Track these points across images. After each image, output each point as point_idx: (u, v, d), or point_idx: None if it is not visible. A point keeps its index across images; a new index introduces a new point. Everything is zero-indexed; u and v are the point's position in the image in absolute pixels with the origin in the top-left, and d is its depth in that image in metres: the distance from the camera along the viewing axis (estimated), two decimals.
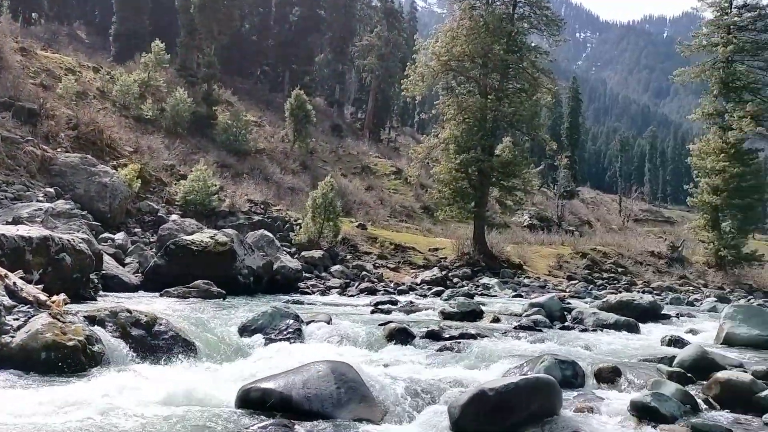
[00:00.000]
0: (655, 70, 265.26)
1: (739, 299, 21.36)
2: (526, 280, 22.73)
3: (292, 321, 7.60)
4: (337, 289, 16.43)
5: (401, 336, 7.76)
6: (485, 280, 20.95)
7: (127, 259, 14.32)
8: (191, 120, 30.51)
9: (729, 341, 8.66)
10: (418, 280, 19.60)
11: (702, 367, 5.89)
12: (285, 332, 7.39)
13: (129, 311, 6.23)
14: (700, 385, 5.50)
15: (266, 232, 17.06)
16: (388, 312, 10.99)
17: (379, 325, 8.34)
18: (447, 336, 7.94)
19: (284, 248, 18.34)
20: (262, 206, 24.45)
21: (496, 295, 18.22)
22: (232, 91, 40.99)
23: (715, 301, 18.97)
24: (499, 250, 25.29)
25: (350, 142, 46.38)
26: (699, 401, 5.03)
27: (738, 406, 4.99)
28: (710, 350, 6.48)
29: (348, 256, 21.36)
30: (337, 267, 19.20)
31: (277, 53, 50.77)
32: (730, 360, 6.41)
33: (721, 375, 5.21)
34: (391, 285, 18.53)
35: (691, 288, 25.79)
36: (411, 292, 17.32)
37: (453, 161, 23.27)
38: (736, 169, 28.21)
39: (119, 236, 16.08)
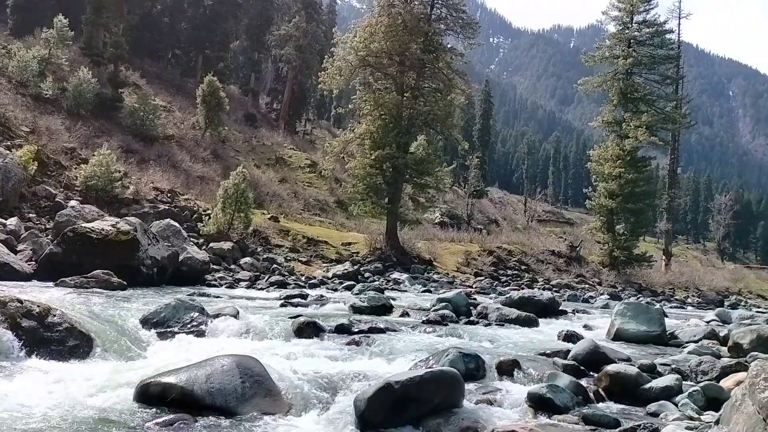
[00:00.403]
0: (562, 77, 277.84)
1: (629, 297, 22.82)
2: (435, 276, 23.22)
3: (197, 314, 7.40)
4: (247, 282, 16.12)
5: (310, 330, 7.73)
6: (396, 275, 21.23)
7: (20, 247, 13.42)
8: (95, 101, 28.91)
9: (619, 336, 9.22)
10: (330, 274, 19.58)
11: (594, 360, 6.26)
12: (189, 326, 7.18)
13: (20, 301, 5.85)
14: (592, 378, 5.84)
15: (173, 222, 16.46)
16: (298, 306, 10.93)
17: (289, 318, 8.29)
18: (356, 330, 8.00)
19: (191, 239, 17.78)
20: (169, 195, 23.58)
21: (406, 290, 18.48)
22: (141, 73, 39.19)
23: (608, 299, 20.19)
24: (411, 246, 25.71)
25: (265, 132, 45.61)
26: (590, 393, 5.34)
27: (625, 397, 5.35)
28: (602, 345, 6.90)
29: (259, 249, 21.02)
30: (247, 259, 18.84)
31: (190, 37, 48.99)
32: (620, 354, 6.85)
33: (610, 368, 5.56)
34: (303, 279, 18.40)
35: (587, 286, 27.29)
36: (322, 286, 17.27)
37: (368, 157, 23.42)
38: (631, 175, 30.09)
39: (11, 222, 15.05)
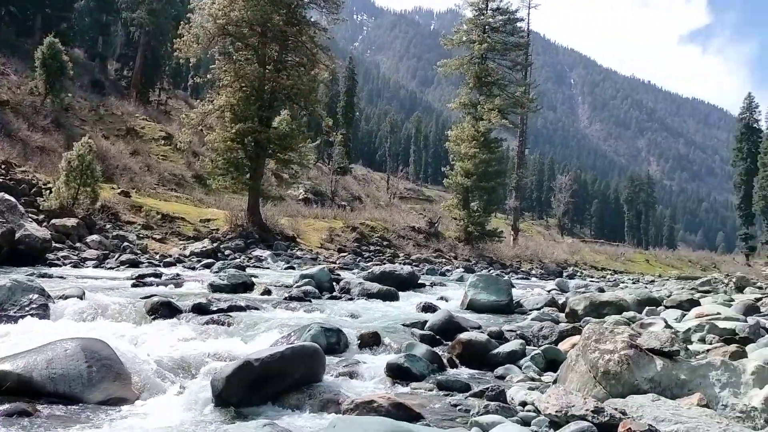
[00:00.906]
0: (422, 59, 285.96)
1: (482, 270, 24.25)
2: (299, 253, 23.12)
3: (36, 296, 6.77)
4: (94, 262, 15.05)
5: (165, 310, 7.38)
6: (258, 252, 20.88)
7: None
8: None
9: (472, 307, 9.79)
10: (187, 252, 18.82)
11: (449, 329, 6.60)
12: (28, 308, 6.57)
13: None
14: (446, 346, 6.16)
15: (7, 196, 14.88)
16: (152, 285, 10.40)
17: (141, 299, 7.86)
18: (215, 309, 7.75)
19: (30, 215, 16.21)
20: (3, 166, 21.28)
21: (269, 268, 18.25)
22: None
23: (463, 272, 21.33)
24: (274, 223, 25.37)
25: (114, 101, 42.50)
26: (445, 360, 5.63)
27: (476, 363, 5.70)
28: (456, 315, 7.28)
29: (108, 226, 19.67)
30: (94, 237, 17.56)
31: None
32: (472, 323, 7.28)
33: (462, 336, 5.89)
34: (157, 257, 17.52)
35: (444, 260, 28.63)
36: (179, 265, 16.56)
37: (228, 130, 22.63)
38: (485, 155, 31.81)
39: None
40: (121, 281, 10.94)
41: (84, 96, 39.45)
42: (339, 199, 44.13)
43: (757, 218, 62.24)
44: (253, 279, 11.62)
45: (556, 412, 2.82)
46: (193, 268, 15.90)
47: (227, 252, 20.32)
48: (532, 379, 5.05)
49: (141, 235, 20.05)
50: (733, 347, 4.48)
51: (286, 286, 10.97)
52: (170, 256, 18.06)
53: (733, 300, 10.49)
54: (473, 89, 33.38)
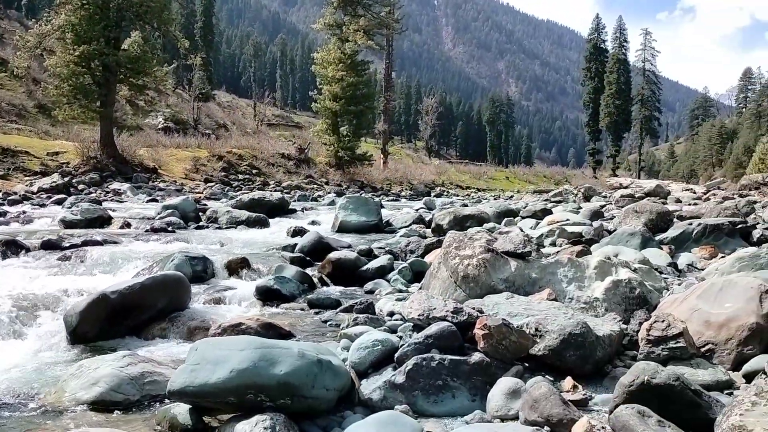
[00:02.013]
0: None
1: (353, 194, 24.48)
2: (161, 185, 21.98)
3: None
4: None
5: (10, 249, 6.76)
6: (116, 185, 19.57)
7: None
8: None
9: (343, 228, 9.89)
10: (35, 189, 17.21)
11: (319, 250, 6.62)
12: None
13: None
14: (317, 266, 6.19)
15: None
16: None
17: None
18: (68, 245, 7.21)
19: None
20: None
21: (128, 201, 17.22)
22: None
23: (334, 196, 21.42)
24: (131, 154, 23.79)
25: None
26: (315, 280, 5.67)
27: (347, 280, 5.79)
28: (326, 236, 7.31)
29: None
30: None
31: None
32: (342, 242, 7.35)
33: (332, 255, 5.93)
34: (0, 195, 15.88)
35: (315, 186, 28.53)
36: (26, 202, 15.12)
37: (71, 53, 20.48)
38: (352, 78, 31.51)
39: None
40: None
41: None
42: (203, 127, 42.11)
43: (604, 134, 67.73)
44: (111, 213, 10.92)
45: (419, 316, 2.92)
46: (43, 205, 14.60)
47: (81, 187, 18.85)
48: (400, 291, 5.23)
49: None
50: (579, 247, 4.87)
51: (148, 219, 10.42)
52: (15, 193, 16.44)
53: (581, 208, 11.44)
54: (338, 9, 32.55)
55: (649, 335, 2.68)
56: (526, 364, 2.84)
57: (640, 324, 2.96)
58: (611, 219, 8.84)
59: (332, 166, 32.72)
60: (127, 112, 37.37)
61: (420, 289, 4.20)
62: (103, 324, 4.07)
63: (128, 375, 3.01)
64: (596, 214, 9.58)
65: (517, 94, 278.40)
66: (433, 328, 2.82)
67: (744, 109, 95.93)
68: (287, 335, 3.96)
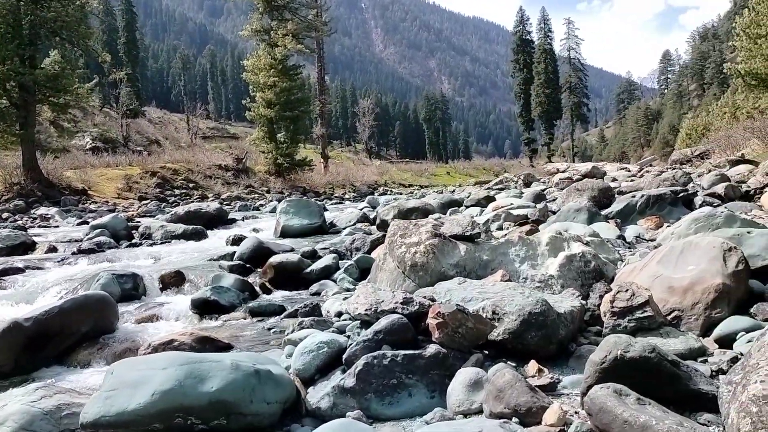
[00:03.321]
0: None
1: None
2: (93, 206, 20.96)
3: None
4: None
5: None
6: (43, 210, 18.49)
7: None
8: None
9: (285, 233, 9.53)
10: None
11: (259, 256, 6.26)
12: None
13: None
14: (259, 273, 5.84)
15: None
16: None
17: None
18: None
19: None
20: None
21: (58, 225, 16.27)
22: None
23: (276, 204, 20.89)
24: (58, 177, 22.61)
25: None
26: (257, 287, 5.33)
27: (291, 284, 5.47)
28: (266, 241, 6.95)
29: None
30: None
31: None
32: (283, 246, 7.01)
33: (273, 259, 5.60)
34: None
35: (256, 195, 27.86)
36: None
37: None
38: (285, 83, 30.95)
39: None
40: None
41: None
42: (133, 144, 40.64)
43: (537, 123, 69.20)
44: (37, 238, 10.22)
45: (366, 311, 2.66)
46: None
47: (5, 215, 17.70)
48: (347, 290, 4.95)
49: None
50: (527, 227, 4.72)
51: (76, 241, 9.77)
52: None
53: (523, 193, 11.43)
54: (264, 14, 31.91)
55: (613, 307, 2.50)
56: (486, 352, 2.62)
57: (601, 297, 2.79)
58: (554, 200, 8.82)
59: (272, 174, 32.08)
60: (51, 134, 35.63)
61: (369, 283, 3.94)
62: (18, 355, 3.64)
63: (41, 410, 2.63)
64: (539, 197, 9.55)
65: (451, 90, 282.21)
66: (382, 323, 2.56)
67: (666, 90, 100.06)
68: (226, 347, 3.64)
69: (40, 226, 15.86)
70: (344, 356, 2.55)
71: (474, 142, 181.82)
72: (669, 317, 2.62)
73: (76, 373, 3.72)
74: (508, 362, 2.52)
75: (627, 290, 2.50)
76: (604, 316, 2.61)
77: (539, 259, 3.48)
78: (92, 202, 21.83)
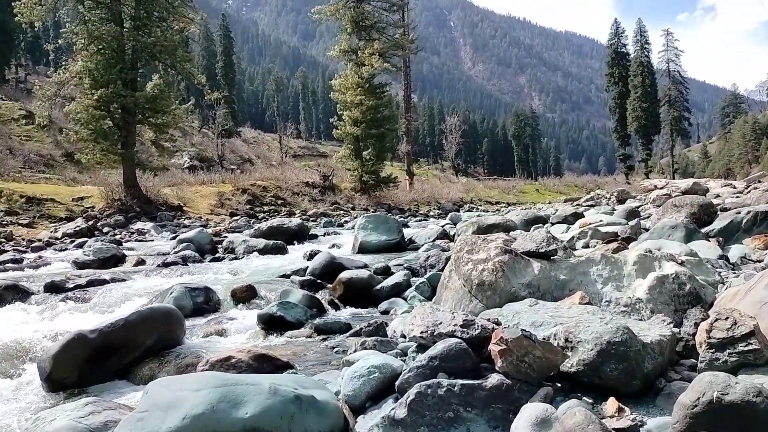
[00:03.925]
0: (302, 12, 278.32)
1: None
2: (186, 222, 21.85)
3: None
4: None
5: (11, 294, 6.45)
6: (140, 225, 19.47)
7: None
8: None
9: (363, 249, 9.42)
10: (59, 234, 17.15)
11: (331, 272, 6.12)
12: None
13: None
14: (329, 289, 5.70)
15: None
16: (9, 271, 9.20)
17: None
18: (72, 286, 6.89)
19: None
20: None
21: (153, 240, 17.05)
22: None
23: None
24: (156, 194, 23.78)
25: None
26: (326, 304, 5.18)
27: (360, 301, 5.29)
28: (339, 256, 6.83)
29: None
30: None
31: None
32: (357, 262, 6.85)
33: (342, 275, 5.44)
34: (23, 243, 15.83)
35: (341, 212, 28.16)
36: (49, 248, 15.00)
37: (90, 98, 20.65)
38: (371, 102, 31.25)
39: None
40: None
41: None
42: (227, 163, 42.35)
43: (633, 139, 66.26)
44: (129, 251, 10.68)
45: (422, 333, 2.41)
46: (65, 250, 14.50)
47: (106, 229, 18.77)
48: None
49: (4, 222, 18.09)
50: (614, 245, 4.30)
51: (164, 254, 10.10)
52: (39, 240, 16.40)
53: (614, 210, 10.76)
54: (352, 35, 32.47)
55: (710, 338, 2.12)
56: (558, 384, 2.29)
57: (697, 325, 2.40)
58: (648, 218, 8.18)
59: (357, 191, 32.35)
60: (153, 153, 37.84)
61: (432, 303, 3.68)
62: (82, 368, 3.64)
63: (88, 426, 2.55)
64: (632, 214, 8.90)
65: (541, 106, 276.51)
66: (438, 347, 2.30)
67: None
68: (284, 366, 3.48)
69: (136, 240, 16.65)
70: (397, 383, 2.32)
71: (566, 159, 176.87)
72: None
73: (136, 387, 3.69)
74: (584, 398, 2.19)
75: (727, 318, 2.11)
76: (700, 347, 2.22)
77: (625, 280, 3.11)
78: (186, 217, 22.77)
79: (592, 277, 3.12)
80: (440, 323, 2.40)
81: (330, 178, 32.81)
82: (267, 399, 2.02)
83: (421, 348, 2.49)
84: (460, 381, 2.18)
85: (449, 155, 72.26)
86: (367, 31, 32.46)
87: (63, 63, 22.97)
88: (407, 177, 38.85)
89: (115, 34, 20.77)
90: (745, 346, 2.03)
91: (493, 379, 2.19)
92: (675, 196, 14.26)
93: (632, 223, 6.62)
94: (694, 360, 2.34)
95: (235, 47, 77.08)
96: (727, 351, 2.06)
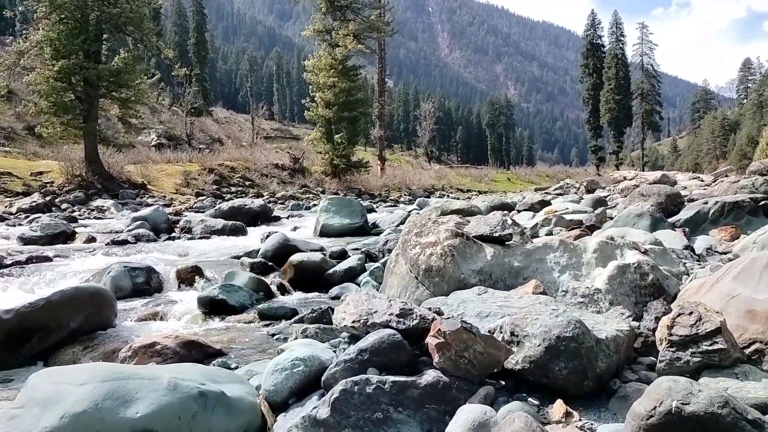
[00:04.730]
0: None
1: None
2: (150, 200, 21.25)
3: None
4: None
5: None
6: (100, 202, 18.86)
7: None
8: None
9: (325, 232, 9.13)
10: (13, 209, 16.48)
11: (284, 254, 5.80)
12: None
13: None
14: (280, 272, 5.41)
15: None
16: None
17: None
18: (10, 262, 6.48)
19: None
20: None
21: (112, 218, 16.50)
22: None
23: None
24: (119, 171, 23.10)
25: None
26: (274, 288, 4.89)
27: (311, 286, 5.00)
28: (294, 238, 6.53)
29: None
30: None
31: None
32: (313, 245, 6.56)
33: (294, 257, 5.16)
34: None
35: (311, 195, 27.73)
36: (2, 223, 14.42)
37: (51, 69, 19.84)
38: (344, 84, 30.76)
39: None
40: None
41: None
42: (196, 142, 41.46)
43: (605, 131, 66.79)
44: (83, 229, 10.22)
45: (353, 322, 2.15)
46: (20, 225, 13.91)
47: (64, 206, 18.11)
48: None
49: None
50: (576, 231, 4.09)
51: (117, 232, 9.67)
52: None
53: (582, 199, 10.62)
54: (326, 14, 31.87)
55: (671, 334, 1.89)
56: (502, 383, 2.05)
57: (658, 319, 2.18)
58: (615, 207, 8.04)
59: (328, 174, 31.94)
60: (119, 130, 36.75)
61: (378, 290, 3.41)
62: None
63: None
64: (599, 203, 8.76)
65: (517, 96, 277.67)
66: (369, 339, 2.04)
67: (745, 100, 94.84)
68: (215, 354, 3.20)
69: (95, 218, 16.09)
70: (323, 378, 2.05)
71: (539, 149, 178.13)
72: (747, 351, 1.98)
73: None
74: (529, 399, 1.95)
75: (692, 313, 1.89)
76: (660, 344, 2.00)
77: (584, 269, 2.88)
78: (150, 196, 22.14)
79: (549, 265, 2.89)
80: (375, 312, 2.14)
81: (300, 160, 32.32)
82: (164, 396, 1.73)
83: (353, 339, 2.23)
84: (392, 378, 1.92)
85: (423, 142, 72.04)
86: (342, 11, 31.90)
87: (24, 32, 22.03)
88: (379, 162, 38.54)
89: (79, 2, 19.98)
90: (710, 345, 1.81)
91: (429, 376, 1.94)
92: (641, 186, 14.25)
93: (598, 211, 6.45)
94: (653, 358, 2.12)
95: (209, 24, 75.52)
96: (690, 350, 1.83)
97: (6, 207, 17.21)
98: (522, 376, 1.98)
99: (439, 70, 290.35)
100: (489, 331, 2.08)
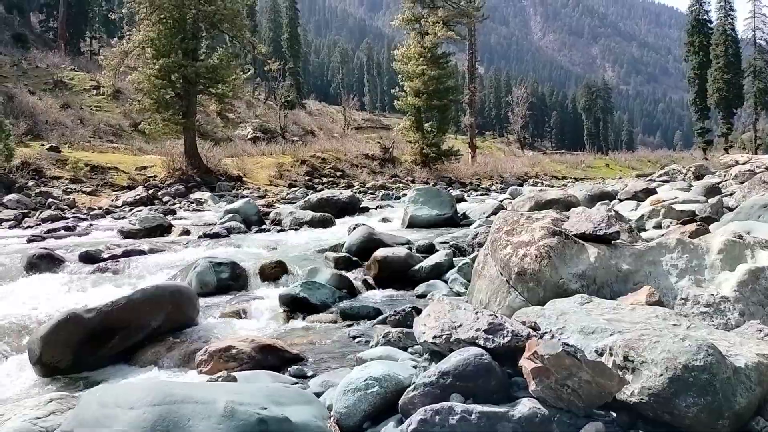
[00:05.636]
0: None
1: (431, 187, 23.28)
2: (245, 192, 21.88)
3: None
4: (11, 222, 13.66)
5: (45, 263, 6.30)
6: (199, 195, 19.60)
7: None
8: None
9: (412, 224, 8.89)
10: (119, 203, 17.42)
11: (369, 249, 5.59)
12: None
13: None
14: (364, 268, 5.22)
15: None
16: (59, 239, 9.20)
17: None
18: (107, 256, 6.70)
19: None
20: None
21: (209, 210, 17.09)
22: None
23: None
24: (216, 164, 23.93)
25: (37, 54, 39.54)
26: (357, 284, 4.70)
27: (396, 283, 4.77)
28: (381, 232, 6.32)
29: (30, 183, 18.10)
30: (12, 196, 16.03)
31: None
32: (399, 239, 6.31)
33: (378, 253, 4.94)
34: (84, 210, 16.14)
35: (401, 185, 27.60)
36: (108, 216, 15.23)
37: (152, 67, 20.80)
38: (434, 72, 30.33)
39: None
40: (20, 239, 9.68)
41: (5, 51, 36.58)
42: (290, 134, 42.39)
43: (713, 112, 62.35)
44: (178, 221, 10.55)
45: (434, 338, 1.88)
46: (124, 218, 14.66)
47: (165, 198, 18.97)
48: (458, 294, 4.15)
49: (69, 190, 18.52)
50: (693, 226, 3.60)
51: (210, 224, 9.89)
52: (100, 208, 16.69)
53: (692, 186, 9.76)
54: (415, 2, 31.49)
55: None
56: (613, 414, 1.71)
57: None
58: (731, 195, 7.26)
59: (418, 163, 31.68)
60: (217, 125, 38.29)
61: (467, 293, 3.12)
62: (77, 350, 3.30)
63: (44, 429, 2.16)
64: (712, 191, 7.94)
65: (615, 78, 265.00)
66: (452, 360, 1.76)
67: None
68: (293, 359, 3.03)
69: (193, 210, 16.72)
70: (400, 402, 1.80)
71: (639, 133, 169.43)
72: None
73: (138, 373, 3.32)
74: None
75: None
76: None
77: (707, 273, 2.46)
78: (245, 188, 22.80)
79: (665, 268, 2.49)
80: (459, 326, 1.86)
81: (390, 150, 32.25)
82: (218, 425, 1.54)
83: (436, 356, 1.96)
84: (479, 408, 1.64)
85: (515, 128, 70.18)
86: None
87: (127, 33, 23.22)
88: (470, 150, 37.83)
89: (177, 2, 20.73)
90: None
91: (524, 407, 1.64)
92: (760, 172, 12.97)
93: (713, 201, 5.79)
94: None
95: (302, 19, 76.91)
96: None
97: (113, 200, 18.23)
98: (639, 410, 1.64)
99: (532, 55, 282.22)
100: (596, 351, 1.74)
